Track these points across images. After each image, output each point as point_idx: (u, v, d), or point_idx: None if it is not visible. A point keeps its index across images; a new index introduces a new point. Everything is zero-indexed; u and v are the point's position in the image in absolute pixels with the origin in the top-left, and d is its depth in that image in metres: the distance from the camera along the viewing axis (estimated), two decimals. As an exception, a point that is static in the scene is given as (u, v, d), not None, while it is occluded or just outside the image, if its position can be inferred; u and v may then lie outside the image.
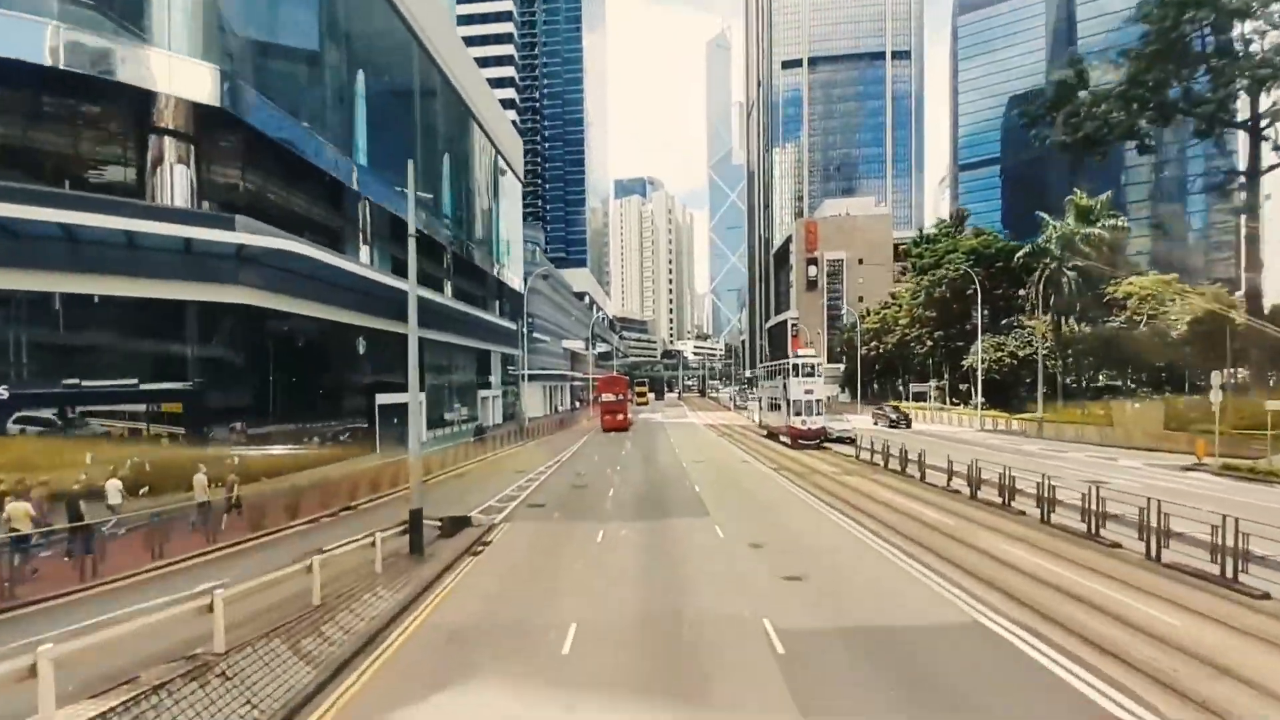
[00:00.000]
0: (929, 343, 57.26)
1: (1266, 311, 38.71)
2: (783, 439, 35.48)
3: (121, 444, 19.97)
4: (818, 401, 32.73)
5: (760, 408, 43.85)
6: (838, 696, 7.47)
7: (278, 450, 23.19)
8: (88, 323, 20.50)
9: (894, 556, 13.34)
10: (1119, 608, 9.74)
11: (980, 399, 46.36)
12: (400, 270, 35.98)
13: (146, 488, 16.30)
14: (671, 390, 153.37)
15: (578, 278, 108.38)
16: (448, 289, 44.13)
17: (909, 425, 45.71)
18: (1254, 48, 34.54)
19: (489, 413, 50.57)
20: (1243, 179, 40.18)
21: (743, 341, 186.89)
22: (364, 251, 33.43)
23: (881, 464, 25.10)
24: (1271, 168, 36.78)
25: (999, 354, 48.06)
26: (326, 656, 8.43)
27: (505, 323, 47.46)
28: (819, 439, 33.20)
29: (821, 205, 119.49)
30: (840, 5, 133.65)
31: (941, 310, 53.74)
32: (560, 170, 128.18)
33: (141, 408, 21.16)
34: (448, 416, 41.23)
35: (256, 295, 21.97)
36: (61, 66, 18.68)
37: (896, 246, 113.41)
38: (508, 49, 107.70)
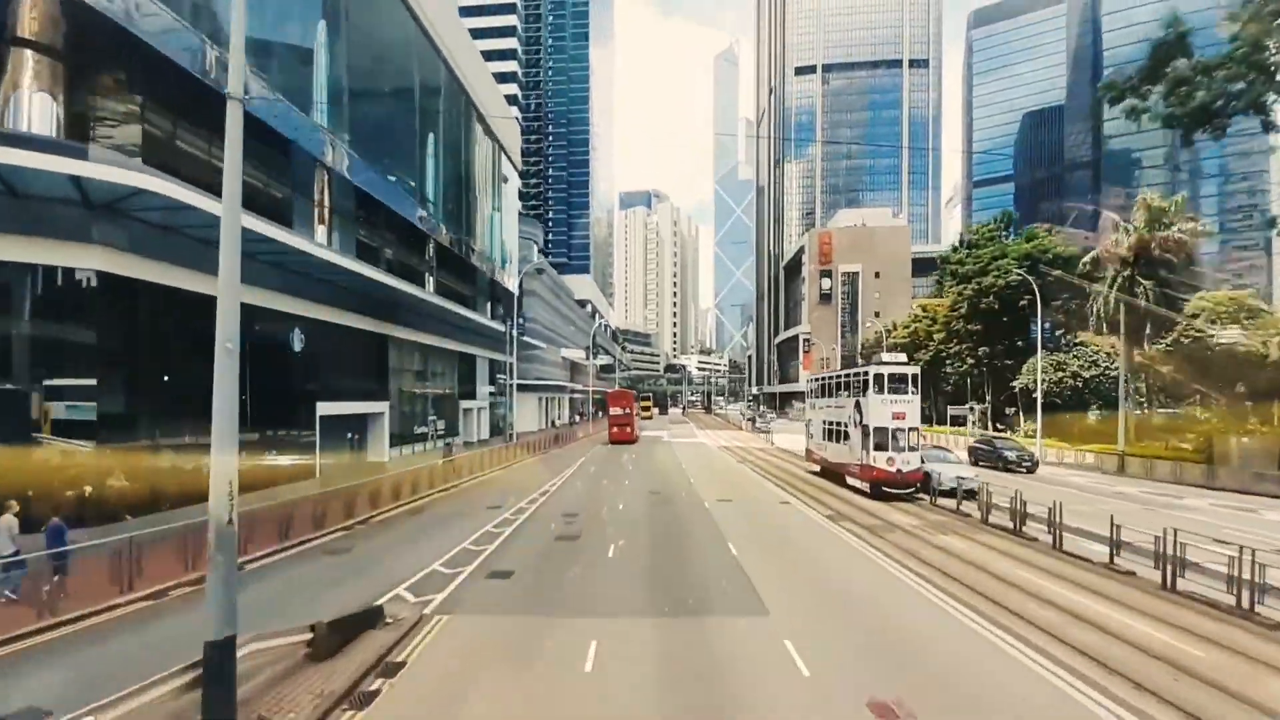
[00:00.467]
0: (969, 360, 50.68)
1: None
2: (852, 481, 24.24)
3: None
4: (912, 431, 21.97)
5: (813, 435, 30.18)
6: None
7: (159, 466, 16.61)
8: None
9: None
10: None
11: (1038, 426, 39.69)
12: (369, 258, 29.71)
13: None
14: (675, 405, 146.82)
15: (579, 284, 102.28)
16: (430, 284, 37.87)
17: (1034, 468, 32.02)
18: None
19: (473, 426, 43.96)
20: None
21: (749, 357, 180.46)
22: (319, 232, 27.08)
23: (980, 516, 18.41)
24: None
25: (1059, 374, 41.51)
26: None
27: (494, 324, 40.99)
28: (913, 486, 22.22)
29: (836, 215, 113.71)
30: (856, 11, 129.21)
31: (987, 324, 47.26)
32: (563, 173, 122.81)
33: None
34: (420, 430, 34.64)
35: (118, 260, 15.54)
36: None
37: (915, 260, 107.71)
38: (511, 65, 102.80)
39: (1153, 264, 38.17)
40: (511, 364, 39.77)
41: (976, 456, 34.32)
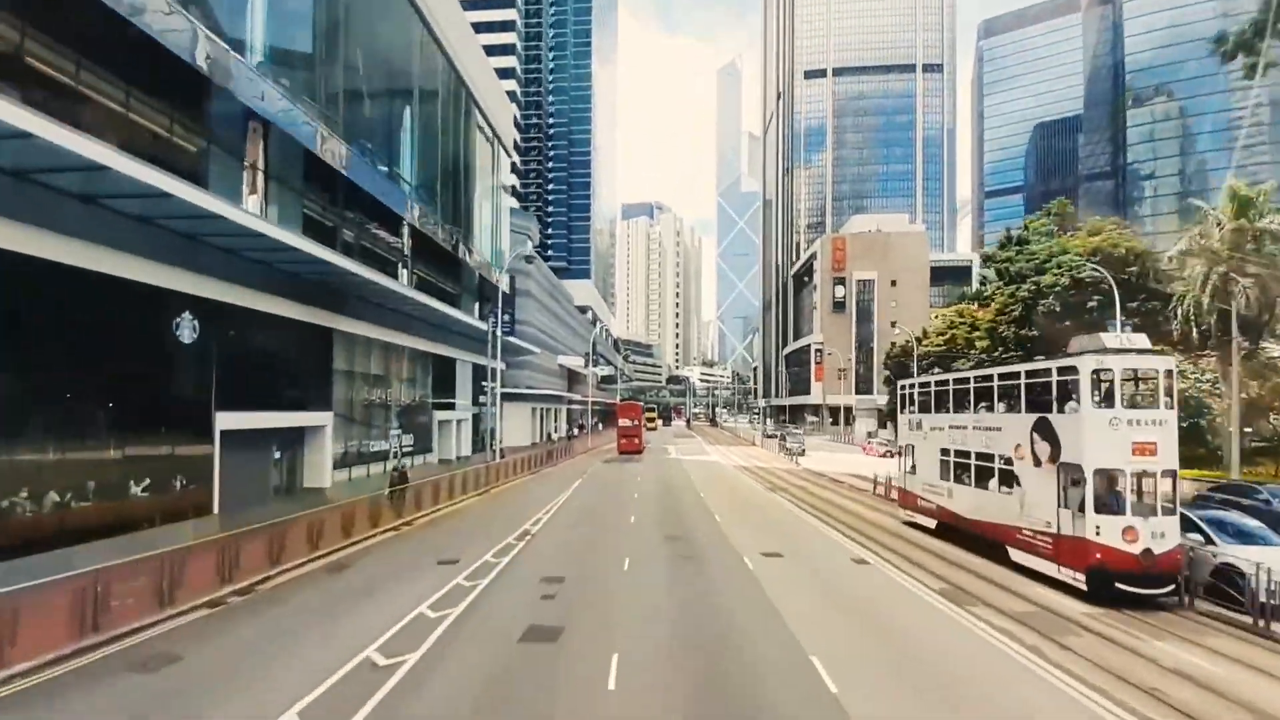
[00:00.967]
0: (1020, 370, 44.14)
1: None
2: (1026, 559, 13.82)
3: None
4: (1167, 477, 11.90)
5: (918, 469, 19.24)
6: None
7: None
8: None
9: None
10: None
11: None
12: (318, 234, 23.48)
13: None
14: (679, 416, 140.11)
15: (580, 290, 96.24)
16: (403, 276, 31.66)
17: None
18: None
19: (451, 441, 37.41)
20: None
21: (755, 369, 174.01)
22: (251, 202, 20.86)
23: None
24: None
25: (1139, 386, 35.03)
26: None
27: (478, 324, 34.62)
28: (1170, 583, 11.71)
29: (849, 220, 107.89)
30: (867, 14, 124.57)
31: (1048, 329, 40.83)
32: (564, 180, 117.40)
33: None
34: (379, 447, 28.13)
35: None
36: None
37: (932, 269, 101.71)
38: (510, 84, 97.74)
39: (1246, 261, 31.88)
40: (497, 368, 33.30)
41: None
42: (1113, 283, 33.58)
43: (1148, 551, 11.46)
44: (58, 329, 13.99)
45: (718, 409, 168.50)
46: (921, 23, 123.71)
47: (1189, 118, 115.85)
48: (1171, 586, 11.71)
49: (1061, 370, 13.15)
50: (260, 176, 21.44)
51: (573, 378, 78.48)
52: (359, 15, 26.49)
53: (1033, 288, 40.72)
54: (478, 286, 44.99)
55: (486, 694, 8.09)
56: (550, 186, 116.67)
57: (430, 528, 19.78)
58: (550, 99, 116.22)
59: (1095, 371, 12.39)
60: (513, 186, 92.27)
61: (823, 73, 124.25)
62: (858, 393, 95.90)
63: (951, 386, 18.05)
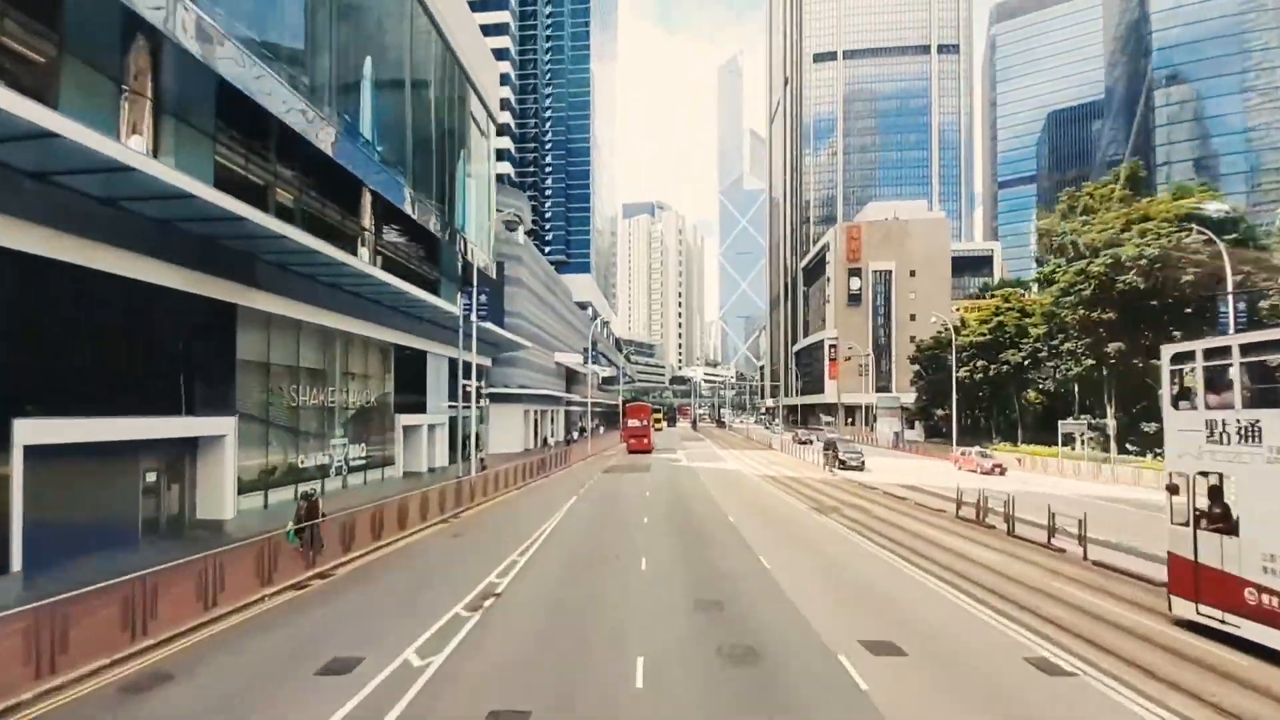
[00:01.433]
0: (1089, 360, 37.90)
1: None
2: None
3: None
4: None
5: (1253, 530, 9.06)
6: None
7: None
8: None
9: None
10: None
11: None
12: (233, 188, 17.33)
13: None
14: (684, 417, 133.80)
15: (579, 285, 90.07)
16: (365, 254, 25.53)
17: None
18: None
19: (421, 450, 31.10)
20: None
21: (761, 368, 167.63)
22: (135, 141, 14.78)
23: None
24: None
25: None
26: None
27: (451, 307, 28.30)
28: None
29: (865, 208, 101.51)
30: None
31: (1126, 309, 34.55)
32: (563, 165, 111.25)
33: None
34: (316, 461, 21.84)
35: None
36: None
37: (959, 258, 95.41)
38: (504, 91, 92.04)
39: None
40: (472, 362, 26.97)
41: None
42: (1224, 249, 27.10)
43: None
44: None
45: (721, 409, 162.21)
46: (936, 1, 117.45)
47: (1220, 97, 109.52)
48: None
49: None
50: (148, 109, 15.37)
51: (571, 378, 72.23)
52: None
53: (1109, 261, 34.27)
54: (461, 272, 38.84)
55: None
56: (548, 178, 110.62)
57: (351, 585, 13.50)
58: (548, 93, 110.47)
59: None
60: (507, 176, 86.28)
61: (833, 56, 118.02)
62: (875, 390, 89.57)
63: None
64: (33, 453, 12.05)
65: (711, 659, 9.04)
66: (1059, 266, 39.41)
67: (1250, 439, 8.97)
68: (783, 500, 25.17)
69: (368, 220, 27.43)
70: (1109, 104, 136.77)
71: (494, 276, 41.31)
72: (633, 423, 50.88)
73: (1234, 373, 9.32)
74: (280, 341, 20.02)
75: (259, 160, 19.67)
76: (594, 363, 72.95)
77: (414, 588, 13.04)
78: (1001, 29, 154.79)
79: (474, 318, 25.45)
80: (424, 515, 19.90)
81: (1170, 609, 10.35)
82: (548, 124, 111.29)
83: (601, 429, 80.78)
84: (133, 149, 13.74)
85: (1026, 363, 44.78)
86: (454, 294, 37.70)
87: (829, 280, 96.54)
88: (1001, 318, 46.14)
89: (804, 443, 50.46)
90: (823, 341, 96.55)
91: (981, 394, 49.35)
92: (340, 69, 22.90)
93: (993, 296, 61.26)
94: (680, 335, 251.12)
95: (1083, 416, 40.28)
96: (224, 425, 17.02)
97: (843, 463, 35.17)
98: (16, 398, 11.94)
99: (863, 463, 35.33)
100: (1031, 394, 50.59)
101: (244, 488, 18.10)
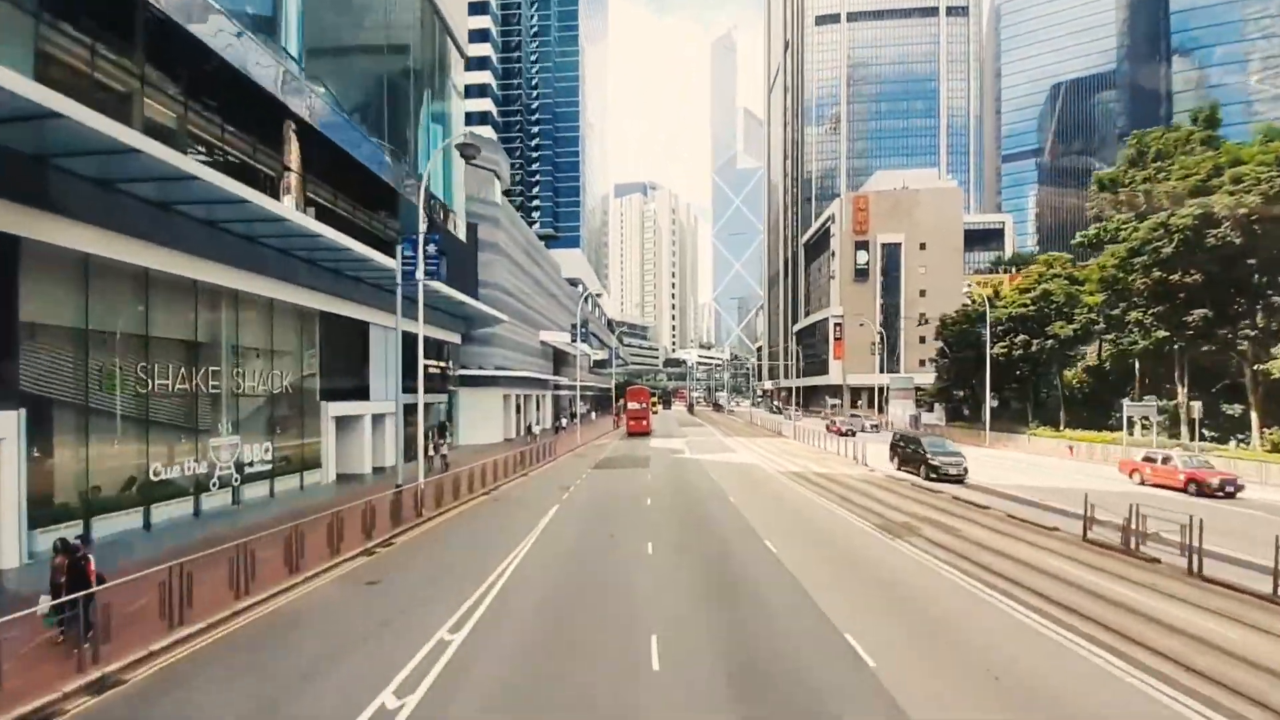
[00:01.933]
0: (1159, 332, 32.13)
1: None
2: None
3: None
4: None
5: None
6: None
7: None
8: None
9: None
10: None
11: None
12: (56, 80, 10.71)
13: None
14: (680, 400, 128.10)
15: (569, 260, 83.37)
16: (291, 199, 19.10)
17: None
18: None
19: (363, 448, 24.79)
20: None
21: (758, 349, 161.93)
22: None
23: None
24: None
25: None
26: None
27: (389, 262, 21.71)
28: None
29: (873, 177, 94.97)
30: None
31: (1212, 271, 28.65)
32: (550, 130, 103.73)
33: None
34: (179, 471, 15.45)
35: None
36: None
37: (966, 232, 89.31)
38: (484, 76, 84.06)
39: None
40: (417, 334, 20.53)
41: None
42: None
43: None
44: None
45: (715, 391, 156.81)
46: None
47: (1240, 63, 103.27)
48: None
49: None
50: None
51: (560, 360, 65.95)
52: None
53: (1199, 213, 28.23)
54: (423, 225, 32.28)
55: None
56: (535, 149, 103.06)
57: (151, 705, 7.36)
58: (534, 59, 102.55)
59: None
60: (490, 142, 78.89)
61: (836, 18, 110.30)
62: (883, 371, 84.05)
63: None
64: None
65: None
66: (1125, 223, 33.36)
67: None
68: (831, 513, 19.08)
69: (293, 158, 20.92)
70: (1124, 72, 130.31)
71: (463, 239, 34.76)
72: (632, 405, 52.84)
73: None
74: (113, 298, 13.59)
75: (119, 61, 13.27)
76: (584, 343, 66.65)
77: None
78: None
79: (420, 275, 19.04)
80: (334, 547, 13.77)
81: None
82: (534, 98, 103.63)
83: (594, 414, 74.78)
84: None
85: (1077, 336, 39.01)
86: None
87: (833, 254, 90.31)
88: (1047, 285, 40.21)
89: (846, 434, 41.75)
90: (827, 319, 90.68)
91: (1020, 372, 43.61)
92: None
93: (979, 273, 55.38)
94: (674, 317, 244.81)
95: (1146, 397, 34.66)
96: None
97: (935, 469, 24.13)
98: None
99: (965, 469, 24.26)
100: (1072, 372, 44.93)
101: (52, 515, 11.85)
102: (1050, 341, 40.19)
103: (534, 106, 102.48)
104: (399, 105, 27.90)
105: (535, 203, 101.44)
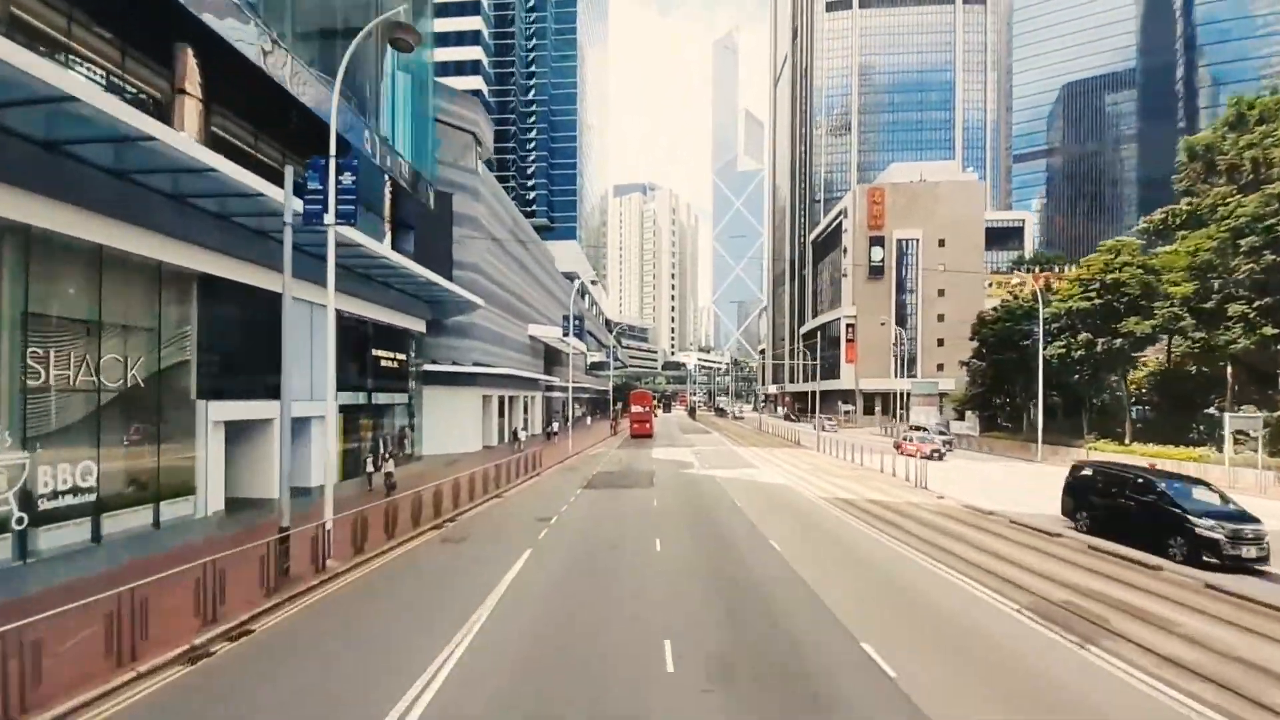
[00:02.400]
0: (1268, 328, 26.28)
1: None
2: None
3: None
4: None
5: None
6: None
7: None
8: None
9: None
10: None
11: None
12: None
13: None
14: (681, 404, 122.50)
15: (565, 251, 77.42)
16: (191, 127, 13.07)
17: None
18: None
19: (269, 463, 18.49)
20: None
21: (761, 352, 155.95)
22: None
23: None
24: None
25: None
26: None
27: (274, 192, 15.49)
28: None
29: (888, 169, 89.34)
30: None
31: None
32: (545, 113, 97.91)
33: None
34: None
35: None
36: None
37: (982, 224, 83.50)
38: (475, 81, 78.63)
39: None
40: (329, 305, 14.37)
41: None
42: None
43: None
44: None
45: (716, 396, 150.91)
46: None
47: (1270, 56, 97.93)
48: None
49: None
50: None
51: (553, 359, 59.91)
52: None
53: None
54: (388, 198, 26.41)
55: None
56: (531, 129, 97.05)
57: None
58: (530, 52, 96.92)
59: None
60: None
61: (848, 3, 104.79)
62: (899, 375, 78.23)
63: None
64: None
65: None
66: (1227, 197, 27.50)
67: None
68: (936, 577, 12.68)
69: (190, 81, 14.96)
70: (1144, 69, 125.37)
71: (432, 208, 28.72)
72: (636, 408, 54.24)
73: None
74: None
75: None
76: (580, 340, 60.63)
77: None
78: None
79: (330, 216, 12.87)
80: (117, 652, 7.68)
81: None
82: (530, 88, 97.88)
83: (589, 419, 68.67)
84: None
85: (1150, 333, 33.14)
86: (377, 230, 25.29)
87: (846, 251, 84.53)
88: (1117, 275, 34.31)
89: (932, 456, 33.25)
90: (837, 321, 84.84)
91: (1079, 376, 37.71)
92: None
93: (1000, 274, 49.51)
94: (673, 320, 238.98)
95: (1243, 406, 28.80)
96: None
97: (1211, 547, 12.80)
98: None
99: (1267, 545, 12.91)
100: (1138, 375, 39.05)
101: None
102: (1119, 341, 34.30)
103: (529, 99, 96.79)
104: (350, 44, 21.95)
105: (531, 194, 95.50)
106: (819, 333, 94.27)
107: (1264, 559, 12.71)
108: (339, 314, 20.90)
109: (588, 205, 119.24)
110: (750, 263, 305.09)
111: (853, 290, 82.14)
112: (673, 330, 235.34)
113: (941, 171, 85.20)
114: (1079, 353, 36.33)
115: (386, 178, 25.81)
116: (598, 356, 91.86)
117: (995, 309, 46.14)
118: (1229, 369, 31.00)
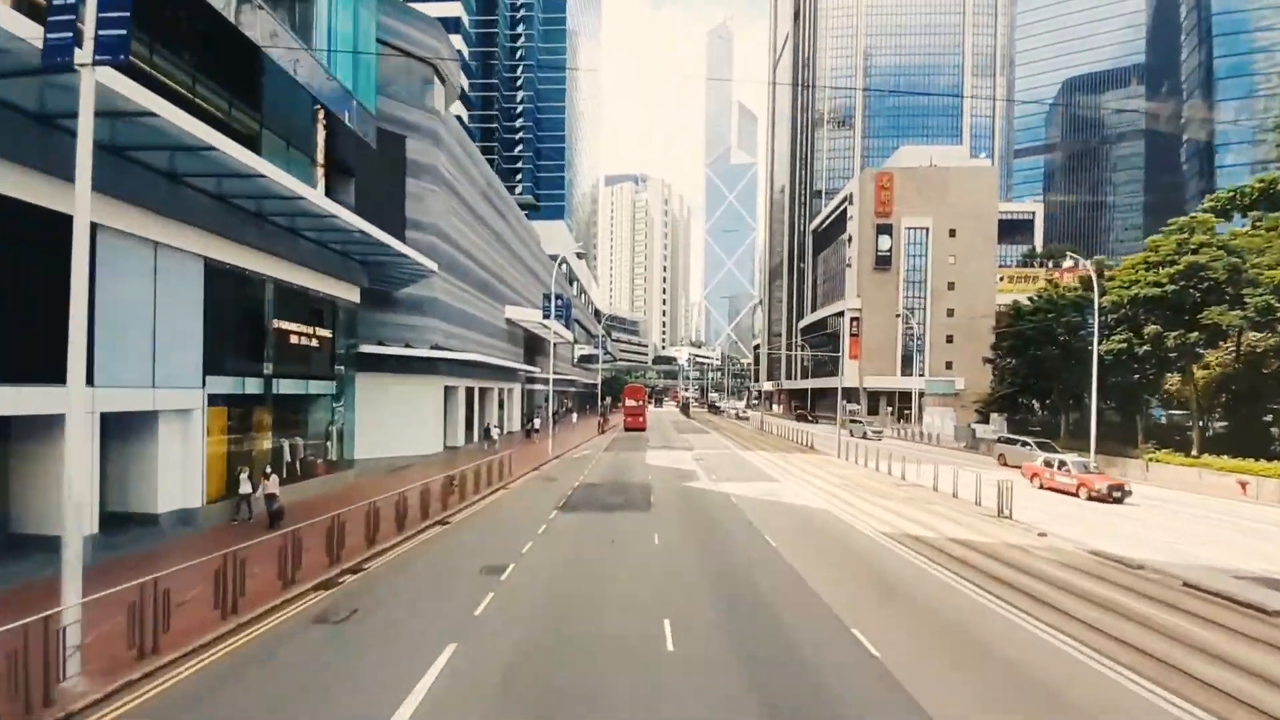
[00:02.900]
0: None
1: None
2: None
3: None
4: None
5: None
6: None
7: None
8: None
9: None
10: None
11: None
12: None
13: None
14: (673, 400, 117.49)
15: (552, 233, 71.09)
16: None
17: None
18: None
19: (66, 483, 12.26)
20: None
21: (756, 347, 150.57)
22: None
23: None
24: None
25: None
26: None
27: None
28: None
29: (897, 153, 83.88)
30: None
31: None
32: (532, 87, 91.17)
33: None
34: None
35: None
36: None
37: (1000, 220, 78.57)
38: (455, 41, 71.74)
39: None
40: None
41: None
42: None
43: None
44: None
45: (711, 393, 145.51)
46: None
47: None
48: None
49: None
50: None
51: (536, 348, 53.66)
52: None
53: None
54: (317, 128, 20.18)
55: None
56: (518, 88, 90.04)
57: None
58: (517, 24, 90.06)
59: None
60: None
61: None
62: (904, 373, 73.06)
63: None
64: None
65: None
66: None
67: None
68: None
69: None
70: (1151, 65, 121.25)
71: (373, 145, 22.41)
72: (630, 402, 56.86)
73: None
74: None
75: None
76: (566, 327, 54.53)
77: None
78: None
79: (87, 50, 6.84)
80: None
81: None
82: (517, 51, 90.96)
83: (574, 415, 62.59)
84: None
85: (1244, 326, 27.81)
86: (307, 172, 18.97)
87: (850, 240, 79.03)
88: (1193, 257, 28.88)
89: (1110, 496, 20.68)
90: (840, 315, 79.35)
91: (1142, 376, 32.35)
92: None
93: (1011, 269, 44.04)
94: (664, 314, 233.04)
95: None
96: None
97: None
98: None
99: None
100: (1199, 376, 33.78)
101: None
102: (1194, 335, 28.93)
103: (516, 62, 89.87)
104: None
105: (517, 170, 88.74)
106: (820, 327, 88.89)
107: None
108: (215, 268, 14.66)
109: (578, 194, 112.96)
110: (742, 258, 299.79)
111: (857, 282, 76.66)
112: (664, 324, 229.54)
113: (952, 156, 79.92)
114: (1144, 348, 30.97)
115: (317, 106, 19.54)
116: (588, 350, 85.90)
117: (1033, 298, 40.71)
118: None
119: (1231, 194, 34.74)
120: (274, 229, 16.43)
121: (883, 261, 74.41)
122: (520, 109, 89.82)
